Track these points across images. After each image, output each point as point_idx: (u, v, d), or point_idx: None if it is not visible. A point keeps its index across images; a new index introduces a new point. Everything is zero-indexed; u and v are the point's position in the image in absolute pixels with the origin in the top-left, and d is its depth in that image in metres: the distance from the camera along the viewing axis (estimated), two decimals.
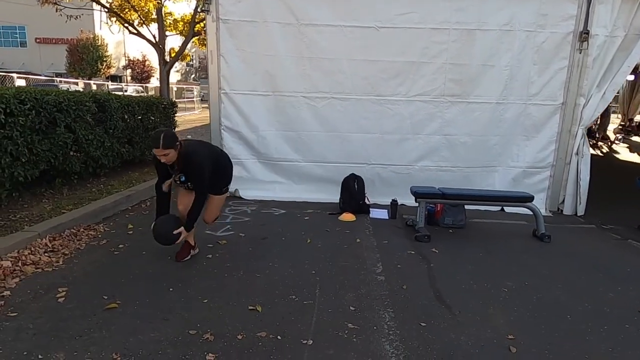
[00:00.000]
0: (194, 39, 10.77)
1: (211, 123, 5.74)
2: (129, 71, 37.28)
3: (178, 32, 11.01)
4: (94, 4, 9.86)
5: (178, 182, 3.36)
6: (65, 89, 11.31)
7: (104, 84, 22.68)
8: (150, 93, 27.48)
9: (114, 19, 10.36)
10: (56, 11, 9.76)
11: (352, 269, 3.49)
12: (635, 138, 16.23)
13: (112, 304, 2.71)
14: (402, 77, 5.47)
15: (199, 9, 9.60)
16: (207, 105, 31.30)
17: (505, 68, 5.41)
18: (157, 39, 10.29)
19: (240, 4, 5.35)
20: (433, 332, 2.58)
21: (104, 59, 30.78)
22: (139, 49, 35.49)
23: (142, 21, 10.37)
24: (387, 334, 2.54)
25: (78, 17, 9.52)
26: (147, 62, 37.10)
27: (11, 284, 2.90)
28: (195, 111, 27.17)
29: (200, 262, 3.49)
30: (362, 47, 5.41)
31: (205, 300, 2.83)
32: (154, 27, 10.72)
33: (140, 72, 36.75)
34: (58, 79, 20.59)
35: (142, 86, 29.07)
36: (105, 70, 31.45)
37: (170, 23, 10.69)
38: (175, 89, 26.78)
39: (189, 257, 3.49)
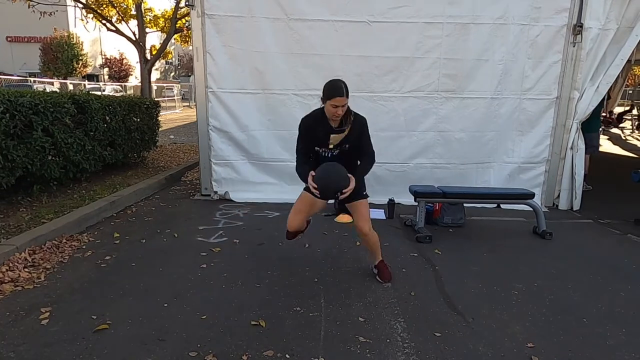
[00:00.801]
0: (175, 35, 10.42)
1: (198, 123, 5.49)
2: (105, 70, 36.31)
3: (159, 29, 10.61)
4: (69, 0, 9.43)
5: (326, 149, 2.92)
6: (41, 89, 10.83)
7: (80, 84, 21.93)
8: (129, 92, 26.81)
9: (90, 15, 9.90)
10: (29, 7, 9.28)
11: (355, 275, 3.33)
12: (614, 130, 16.52)
13: (103, 324, 2.49)
14: (396, 73, 5.32)
15: (183, 3, 9.26)
16: (187, 104, 30.70)
17: (500, 62, 5.31)
18: (137, 36, 9.88)
19: None
20: (449, 342, 2.44)
21: (80, 58, 29.86)
22: (116, 46, 34.62)
23: (120, 17, 9.95)
24: (401, 347, 2.38)
25: (52, 13, 9.05)
26: (124, 61, 36.20)
27: None
28: (176, 110, 26.62)
29: (195, 272, 3.28)
30: (354, 42, 5.24)
31: (204, 317, 2.63)
32: (132, 24, 10.31)
33: (117, 71, 35.85)
34: (32, 79, 19.77)
35: (120, 85, 28.30)
36: (82, 69, 30.54)
37: (150, 19, 10.30)
38: (155, 87, 26.14)
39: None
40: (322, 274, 3.32)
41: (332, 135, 2.90)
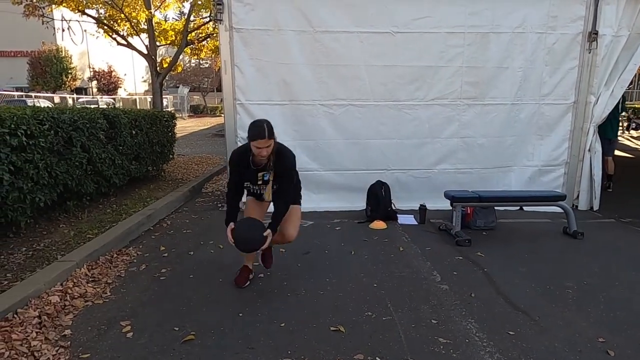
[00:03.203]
0: (185, 49, 10.48)
1: (226, 135, 5.55)
2: (94, 83, 35.96)
3: (168, 43, 10.66)
4: (81, 15, 9.43)
5: (255, 186, 3.05)
6: (45, 105, 10.76)
7: (80, 97, 21.63)
8: (118, 105, 26.60)
9: (100, 30, 9.92)
10: (42, 23, 9.28)
11: (410, 279, 3.43)
12: None
13: (189, 336, 2.53)
14: (420, 82, 5.47)
15: (193, 17, 9.37)
16: (180, 115, 30.49)
17: (519, 69, 5.50)
18: (148, 50, 9.91)
19: (254, 12, 5.21)
20: (525, 340, 2.54)
21: (69, 71, 29.55)
22: (104, 59, 34.34)
23: (134, 31, 9.97)
24: (482, 346, 2.48)
25: (69, 28, 9.08)
26: (113, 73, 35.90)
27: (66, 321, 2.67)
28: None
29: (256, 282, 3.34)
30: (378, 53, 5.37)
31: (283, 324, 2.69)
32: (142, 37, 10.35)
33: (106, 84, 35.52)
34: (33, 94, 19.33)
35: (113, 98, 28.04)
36: (71, 82, 30.21)
37: (158, 33, 10.33)
38: (149, 99, 25.98)
39: (248, 282, 3.30)
40: (379, 279, 3.41)
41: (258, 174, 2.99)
